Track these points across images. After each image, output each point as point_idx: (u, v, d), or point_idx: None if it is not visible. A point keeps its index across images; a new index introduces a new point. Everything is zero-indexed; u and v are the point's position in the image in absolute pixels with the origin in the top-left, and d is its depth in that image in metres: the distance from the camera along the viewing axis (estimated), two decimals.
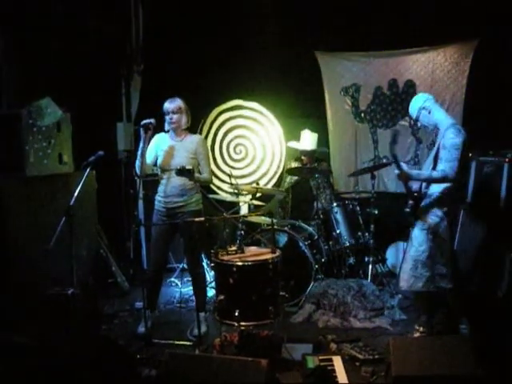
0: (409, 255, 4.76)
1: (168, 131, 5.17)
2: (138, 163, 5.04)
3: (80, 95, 6.20)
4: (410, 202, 4.77)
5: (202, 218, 4.86)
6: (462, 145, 4.51)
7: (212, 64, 7.39)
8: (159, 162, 5.10)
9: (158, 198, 5.16)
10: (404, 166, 4.66)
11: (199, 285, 5.27)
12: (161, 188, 5.14)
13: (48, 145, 5.25)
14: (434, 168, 4.62)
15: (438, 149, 4.59)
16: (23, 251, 4.99)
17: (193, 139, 5.16)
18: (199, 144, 5.15)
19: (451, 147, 4.50)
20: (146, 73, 7.66)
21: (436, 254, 4.65)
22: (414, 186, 4.82)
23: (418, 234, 4.71)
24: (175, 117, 5.05)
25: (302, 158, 6.87)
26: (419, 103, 4.77)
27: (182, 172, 4.82)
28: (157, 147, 5.13)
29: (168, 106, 5.06)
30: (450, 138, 4.52)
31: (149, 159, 5.12)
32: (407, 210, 4.78)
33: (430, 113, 4.73)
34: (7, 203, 4.91)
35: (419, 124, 4.89)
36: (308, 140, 6.78)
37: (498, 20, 6.30)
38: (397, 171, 4.62)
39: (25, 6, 5.59)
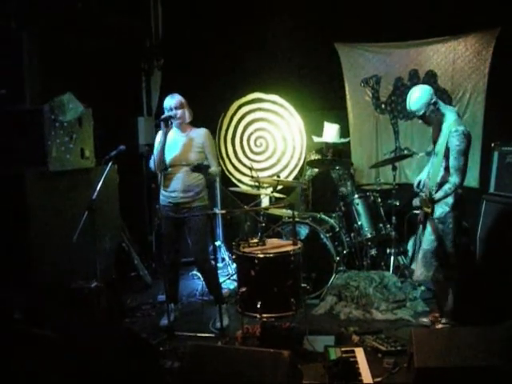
0: (420, 245, 4.79)
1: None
2: (156, 158, 5.01)
3: (101, 90, 6.24)
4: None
5: (224, 211, 4.88)
6: (467, 149, 4.54)
7: (232, 57, 7.40)
8: (168, 157, 5.07)
9: (164, 193, 5.14)
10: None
11: (210, 279, 5.27)
12: (167, 183, 5.11)
13: (70, 140, 5.30)
14: (447, 166, 4.59)
15: (447, 146, 4.55)
16: (46, 245, 5.05)
17: (199, 132, 5.16)
18: (205, 137, 5.15)
19: (458, 154, 4.53)
20: (166, 67, 7.70)
21: (446, 244, 4.66)
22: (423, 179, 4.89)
23: (428, 224, 4.72)
24: (179, 112, 5.04)
25: (328, 150, 6.84)
26: (426, 98, 4.62)
27: (198, 168, 4.86)
28: (160, 143, 5.06)
29: (169, 102, 5.05)
30: (456, 145, 4.51)
31: (157, 156, 5.08)
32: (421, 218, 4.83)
33: (437, 108, 4.65)
34: (30, 198, 4.97)
35: (420, 121, 4.82)
36: (331, 131, 6.77)
37: None
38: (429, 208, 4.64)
39: (47, 3, 5.62)
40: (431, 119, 4.72)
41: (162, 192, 5.14)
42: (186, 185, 5.06)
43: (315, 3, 7.12)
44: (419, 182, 4.95)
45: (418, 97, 4.67)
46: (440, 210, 4.64)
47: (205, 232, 5.13)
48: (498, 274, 5.35)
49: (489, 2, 6.37)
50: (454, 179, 4.54)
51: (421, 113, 4.69)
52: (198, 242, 5.14)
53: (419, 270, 4.77)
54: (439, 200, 4.63)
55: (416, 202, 4.89)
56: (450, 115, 4.63)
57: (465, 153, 4.53)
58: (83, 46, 6.15)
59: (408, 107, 4.78)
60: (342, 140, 6.88)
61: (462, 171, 4.55)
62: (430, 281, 4.90)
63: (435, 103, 4.65)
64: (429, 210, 4.64)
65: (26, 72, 5.17)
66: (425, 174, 4.93)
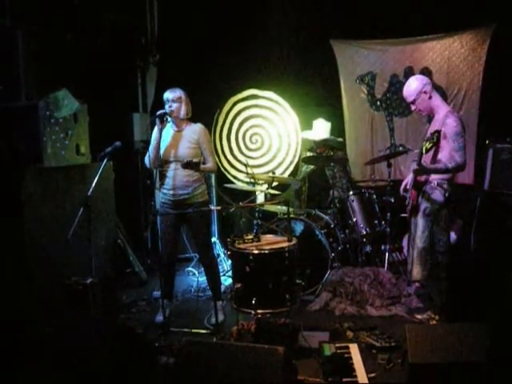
0: (414, 244, 4.80)
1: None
2: (150, 154, 4.98)
3: (96, 86, 6.23)
4: (413, 192, 4.80)
5: (219, 207, 4.88)
6: (463, 132, 4.55)
7: (227, 54, 7.39)
8: (162, 153, 5.05)
9: (163, 190, 5.11)
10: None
11: (212, 274, 5.28)
12: (165, 180, 5.08)
13: (65, 136, 5.29)
14: (435, 155, 4.61)
15: (439, 137, 4.56)
16: (42, 242, 5.05)
17: (194, 129, 5.10)
18: (201, 133, 5.09)
19: (456, 136, 4.53)
20: (161, 63, 7.70)
21: (436, 242, 4.69)
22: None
23: (420, 222, 4.74)
24: (174, 105, 4.99)
25: (316, 148, 6.86)
26: (419, 86, 4.70)
27: (188, 165, 4.83)
28: (155, 139, 5.05)
29: (168, 94, 5.02)
30: (453, 126, 4.53)
31: (152, 152, 5.04)
32: (410, 201, 4.81)
33: (430, 98, 4.71)
34: (25, 194, 4.97)
35: (413, 107, 4.84)
36: (320, 129, 6.78)
37: None
38: (415, 166, 4.59)
39: (42, 0, 5.63)
40: (420, 107, 4.77)
41: (161, 189, 5.13)
42: (181, 181, 5.02)
43: (312, 0, 7.12)
44: (406, 185, 4.97)
45: (410, 83, 4.79)
46: (431, 207, 4.65)
47: (207, 226, 5.14)
48: (492, 270, 5.38)
49: None
50: (456, 158, 4.52)
51: (410, 99, 4.77)
52: (201, 237, 5.14)
53: (415, 270, 4.79)
54: (435, 170, 4.63)
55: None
56: (443, 108, 4.67)
57: (462, 135, 4.55)
58: (78, 43, 6.14)
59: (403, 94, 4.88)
60: (329, 137, 6.88)
61: (463, 152, 4.54)
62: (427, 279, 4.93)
63: (427, 93, 4.69)
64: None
65: (21, 69, 5.18)
66: (410, 176, 4.93)
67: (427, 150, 4.45)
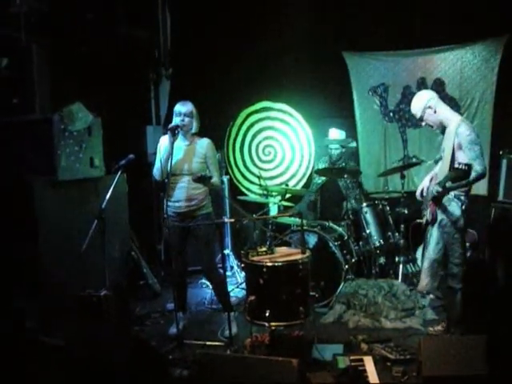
0: (427, 255, 4.78)
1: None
2: (160, 167, 5.05)
3: (109, 99, 6.28)
4: (433, 207, 4.76)
5: (233, 220, 4.89)
6: (478, 139, 4.52)
7: (239, 66, 7.43)
8: (171, 166, 5.03)
9: (169, 203, 5.09)
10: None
11: (218, 288, 5.27)
12: (171, 193, 5.10)
13: (79, 149, 5.32)
14: (450, 169, 4.59)
15: (454, 149, 4.54)
16: (56, 254, 5.07)
17: (202, 143, 5.14)
18: (208, 148, 5.14)
19: (471, 144, 4.48)
20: (174, 77, 7.75)
21: (451, 254, 4.66)
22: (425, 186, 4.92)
23: (434, 233, 4.71)
24: (187, 120, 5.03)
25: (332, 150, 6.85)
26: (423, 103, 4.71)
27: (200, 179, 4.87)
28: (165, 151, 5.08)
29: (181, 108, 5.05)
30: (467, 134, 4.50)
31: (163, 164, 5.08)
32: (431, 216, 4.77)
33: (435, 112, 4.69)
34: (40, 207, 5.00)
35: (423, 123, 4.84)
36: (336, 133, 6.81)
37: None
38: (438, 189, 4.55)
39: (57, 13, 5.69)
40: (429, 122, 4.77)
41: (168, 202, 5.13)
42: (189, 194, 5.06)
43: (324, 13, 7.16)
44: (422, 190, 4.96)
45: (415, 101, 4.81)
46: (447, 219, 4.62)
47: (212, 240, 5.15)
48: (507, 282, 5.34)
49: (496, 10, 6.39)
50: (475, 167, 4.45)
51: (418, 116, 4.79)
52: (205, 251, 5.15)
53: (425, 281, 4.77)
54: (459, 187, 4.60)
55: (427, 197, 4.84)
56: (454, 119, 4.64)
57: (477, 142, 4.51)
58: (92, 56, 6.20)
59: None
60: (345, 139, 6.91)
61: (481, 160, 4.49)
62: (436, 291, 4.91)
63: (432, 108, 4.68)
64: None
65: (35, 82, 5.23)
66: (427, 181, 4.94)
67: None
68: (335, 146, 6.84)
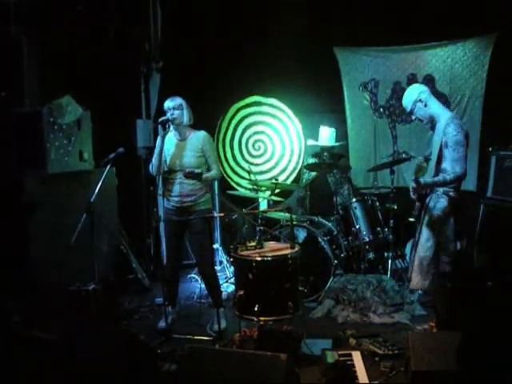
0: (416, 253, 4.79)
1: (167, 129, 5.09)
2: (154, 162, 5.04)
3: (100, 93, 6.24)
4: (417, 204, 4.79)
5: (223, 214, 4.89)
6: (465, 140, 4.53)
7: (230, 60, 7.41)
8: (168, 162, 5.07)
9: (167, 197, 5.13)
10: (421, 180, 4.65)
11: (211, 283, 5.28)
12: (170, 188, 5.11)
13: (69, 142, 5.31)
14: (438, 166, 4.61)
15: (441, 146, 4.56)
16: (45, 247, 5.06)
17: (198, 136, 5.11)
18: (205, 141, 5.10)
19: (456, 145, 4.51)
20: (164, 70, 7.71)
21: (441, 252, 4.67)
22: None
23: (424, 230, 4.72)
24: (176, 112, 5.00)
25: (324, 153, 6.85)
26: (414, 96, 4.74)
27: (190, 175, 4.87)
28: (158, 146, 5.07)
29: (169, 103, 5.03)
30: (453, 135, 4.52)
31: (155, 159, 5.08)
32: (415, 213, 4.79)
33: (426, 105, 4.72)
34: (29, 200, 4.98)
35: (413, 117, 4.86)
36: (326, 135, 6.79)
37: None
38: (414, 185, 4.59)
39: (47, 5, 5.65)
40: (419, 116, 4.79)
41: (167, 196, 5.13)
42: (186, 189, 5.04)
43: (314, 7, 7.13)
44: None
45: (406, 94, 4.85)
46: (436, 216, 4.64)
47: (208, 235, 5.15)
48: (496, 279, 5.35)
49: (487, 7, 6.39)
50: (455, 169, 4.51)
51: (408, 109, 4.82)
52: (201, 245, 5.14)
53: (415, 279, 4.79)
54: (434, 185, 4.62)
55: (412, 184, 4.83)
56: (445, 115, 4.65)
57: (463, 144, 4.54)
58: (82, 49, 6.16)
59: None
60: (338, 143, 6.90)
61: (463, 162, 4.52)
62: (427, 289, 4.92)
63: (422, 102, 4.70)
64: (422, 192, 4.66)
65: (25, 75, 5.20)
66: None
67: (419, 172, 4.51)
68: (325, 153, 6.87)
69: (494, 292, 5.24)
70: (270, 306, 4.30)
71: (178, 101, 5.05)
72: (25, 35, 5.24)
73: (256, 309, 4.25)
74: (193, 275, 6.65)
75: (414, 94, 4.74)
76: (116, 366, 3.65)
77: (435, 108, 4.71)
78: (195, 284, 6.49)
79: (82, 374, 3.63)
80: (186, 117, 5.07)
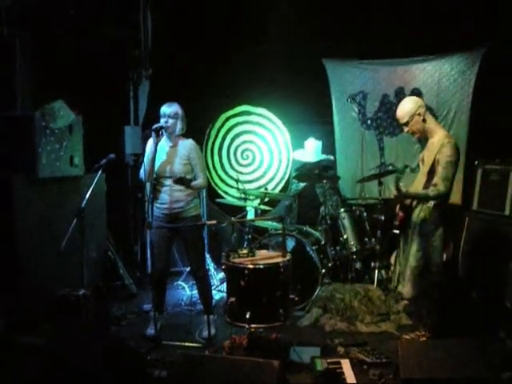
0: (408, 262, 4.85)
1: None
2: (146, 168, 4.98)
3: (89, 99, 6.24)
4: (400, 214, 4.87)
5: (214, 222, 4.92)
6: (457, 162, 4.61)
7: (220, 70, 7.44)
8: (156, 168, 5.03)
9: (156, 204, 5.09)
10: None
11: (204, 288, 5.28)
12: (159, 195, 5.08)
13: (60, 147, 5.31)
14: (428, 181, 4.68)
15: (434, 162, 4.63)
16: (34, 252, 5.04)
17: (185, 144, 5.11)
18: (191, 149, 5.10)
19: (448, 165, 4.58)
20: (154, 77, 7.73)
21: (429, 262, 4.74)
22: None
23: (415, 241, 4.79)
24: (170, 121, 4.99)
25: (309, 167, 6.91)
26: (413, 108, 4.75)
27: (180, 181, 4.87)
28: (150, 153, 5.03)
29: (165, 109, 5.01)
30: (448, 155, 4.58)
31: (147, 165, 5.03)
32: (396, 223, 4.87)
33: (424, 120, 4.75)
34: (19, 204, 4.97)
35: (406, 129, 4.88)
36: (311, 148, 6.84)
37: (505, 28, 6.34)
38: (395, 193, 4.68)
39: (39, 10, 5.65)
40: (414, 129, 4.81)
41: (155, 203, 5.10)
42: (173, 196, 5.03)
43: (304, 19, 7.21)
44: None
45: (403, 105, 4.85)
46: (425, 227, 4.71)
47: (201, 240, 5.16)
48: (480, 290, 5.43)
49: (474, 22, 6.50)
50: (439, 187, 4.58)
51: (404, 120, 4.80)
52: (194, 251, 5.15)
53: (407, 287, 4.84)
54: (415, 197, 4.71)
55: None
56: (438, 133, 4.72)
57: (454, 165, 4.61)
58: (74, 54, 6.16)
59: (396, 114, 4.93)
60: (323, 157, 6.96)
61: (449, 182, 4.61)
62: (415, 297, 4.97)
63: (421, 115, 4.74)
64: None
65: (17, 79, 5.20)
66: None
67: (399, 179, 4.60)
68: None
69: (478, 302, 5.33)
70: (261, 314, 4.30)
71: (175, 108, 5.03)
72: (17, 38, 5.24)
73: (247, 316, 4.26)
74: (180, 282, 6.64)
75: (412, 106, 4.76)
76: (105, 372, 3.65)
77: (431, 124, 4.77)
78: (182, 291, 6.49)
79: (71, 379, 3.63)
80: (178, 127, 5.06)
